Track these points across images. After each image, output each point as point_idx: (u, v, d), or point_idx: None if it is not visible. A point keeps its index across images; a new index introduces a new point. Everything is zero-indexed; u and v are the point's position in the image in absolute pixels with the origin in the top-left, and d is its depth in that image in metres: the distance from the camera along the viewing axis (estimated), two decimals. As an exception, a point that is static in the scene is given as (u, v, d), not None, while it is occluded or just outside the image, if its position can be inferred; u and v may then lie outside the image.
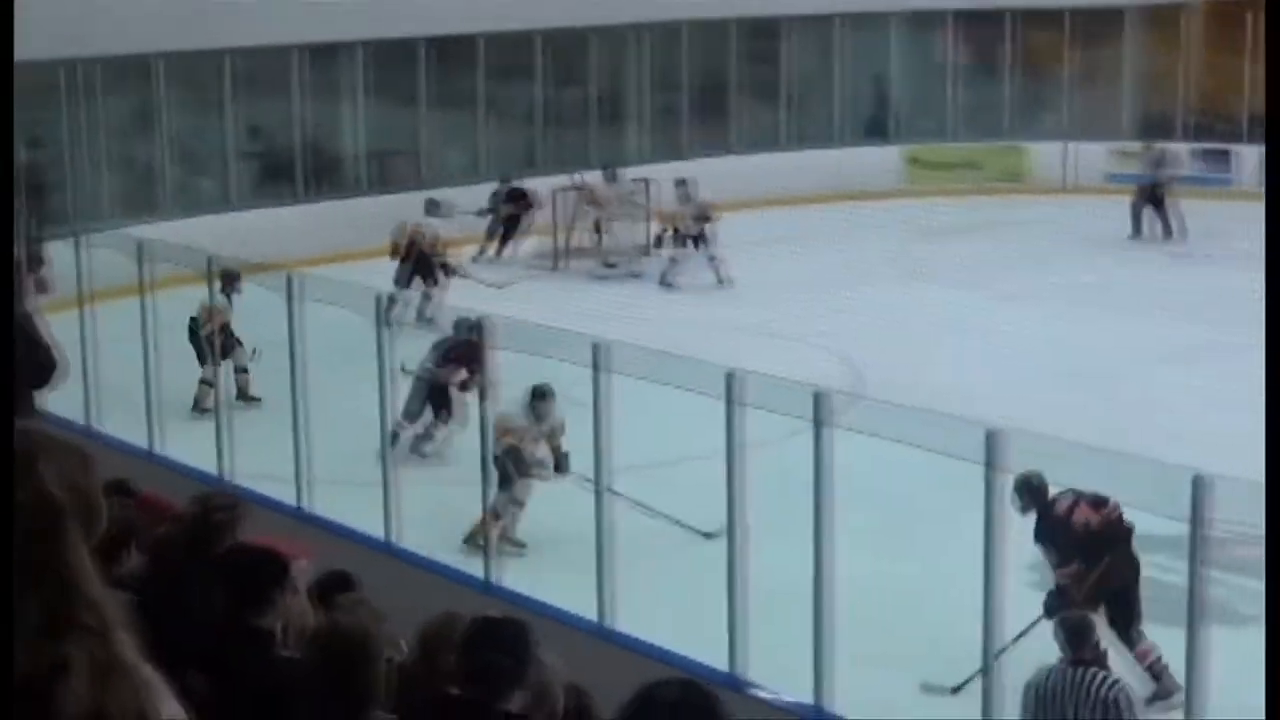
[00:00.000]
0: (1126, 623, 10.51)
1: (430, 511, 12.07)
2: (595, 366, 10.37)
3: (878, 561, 11.84)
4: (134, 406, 13.78)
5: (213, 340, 16.00)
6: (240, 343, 16.36)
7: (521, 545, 12.23)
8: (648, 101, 30.16)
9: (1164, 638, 9.13)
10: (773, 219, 24.51)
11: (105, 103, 24.32)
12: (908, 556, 12.19)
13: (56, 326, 14.14)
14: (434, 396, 14.82)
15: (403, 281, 20.78)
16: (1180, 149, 29.73)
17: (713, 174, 25.29)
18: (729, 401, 9.59)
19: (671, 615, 10.20)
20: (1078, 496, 10.91)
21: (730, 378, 9.66)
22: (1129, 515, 10.50)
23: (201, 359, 16.41)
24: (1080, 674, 8.51)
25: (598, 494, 10.40)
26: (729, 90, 30.52)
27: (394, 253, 21.26)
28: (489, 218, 24.55)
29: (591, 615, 10.19)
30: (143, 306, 13.84)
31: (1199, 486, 7.90)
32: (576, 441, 10.94)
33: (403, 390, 13.73)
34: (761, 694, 9.46)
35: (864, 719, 8.97)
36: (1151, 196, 26.64)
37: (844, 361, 18.67)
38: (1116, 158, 30.70)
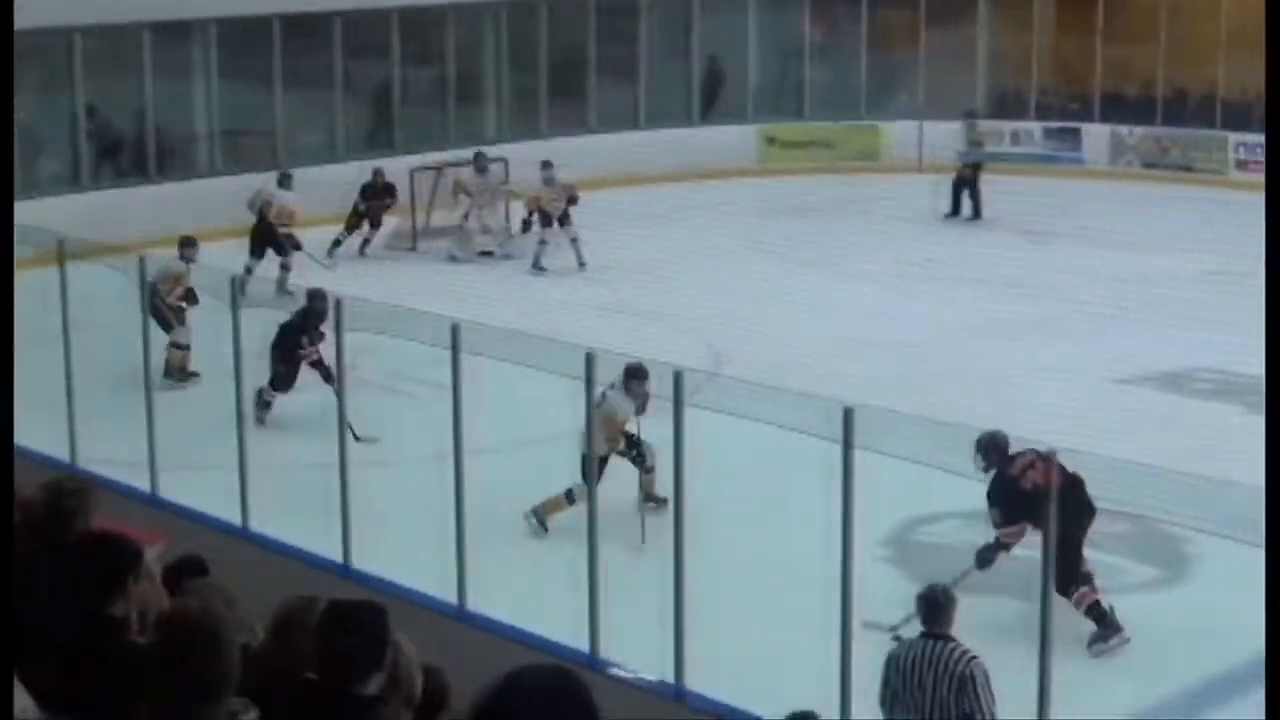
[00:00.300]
0: (1066, 578, 10.74)
1: (288, 495, 11.98)
2: (454, 347, 10.35)
3: (735, 532, 11.94)
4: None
5: (179, 306, 16.53)
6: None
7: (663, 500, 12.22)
8: (506, 80, 30.10)
9: (1013, 612, 9.26)
10: (631, 198, 24.56)
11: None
12: (760, 534, 12.28)
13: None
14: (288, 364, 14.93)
15: (255, 252, 21.18)
16: (1007, 127, 30.37)
17: (571, 153, 25.32)
18: (588, 382, 9.62)
19: (531, 597, 10.19)
20: (1036, 456, 10.94)
21: (589, 358, 9.68)
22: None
23: (167, 326, 16.41)
24: (935, 647, 8.62)
25: (458, 477, 10.39)
26: (587, 69, 30.49)
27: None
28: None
29: (451, 598, 10.20)
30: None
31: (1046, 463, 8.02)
32: (435, 423, 10.89)
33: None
34: (621, 673, 9.51)
35: (723, 698, 9.01)
36: (965, 176, 27.09)
37: (701, 340, 18.78)
38: (970, 137, 31.11)
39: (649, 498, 12.73)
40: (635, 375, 12.74)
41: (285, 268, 21.46)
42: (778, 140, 30.87)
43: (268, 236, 21.65)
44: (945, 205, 26.52)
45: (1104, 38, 30.42)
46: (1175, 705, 10.64)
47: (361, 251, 23.87)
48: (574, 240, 23.01)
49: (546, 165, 23.54)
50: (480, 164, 23.89)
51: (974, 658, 8.55)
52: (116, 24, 24.96)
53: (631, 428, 12.82)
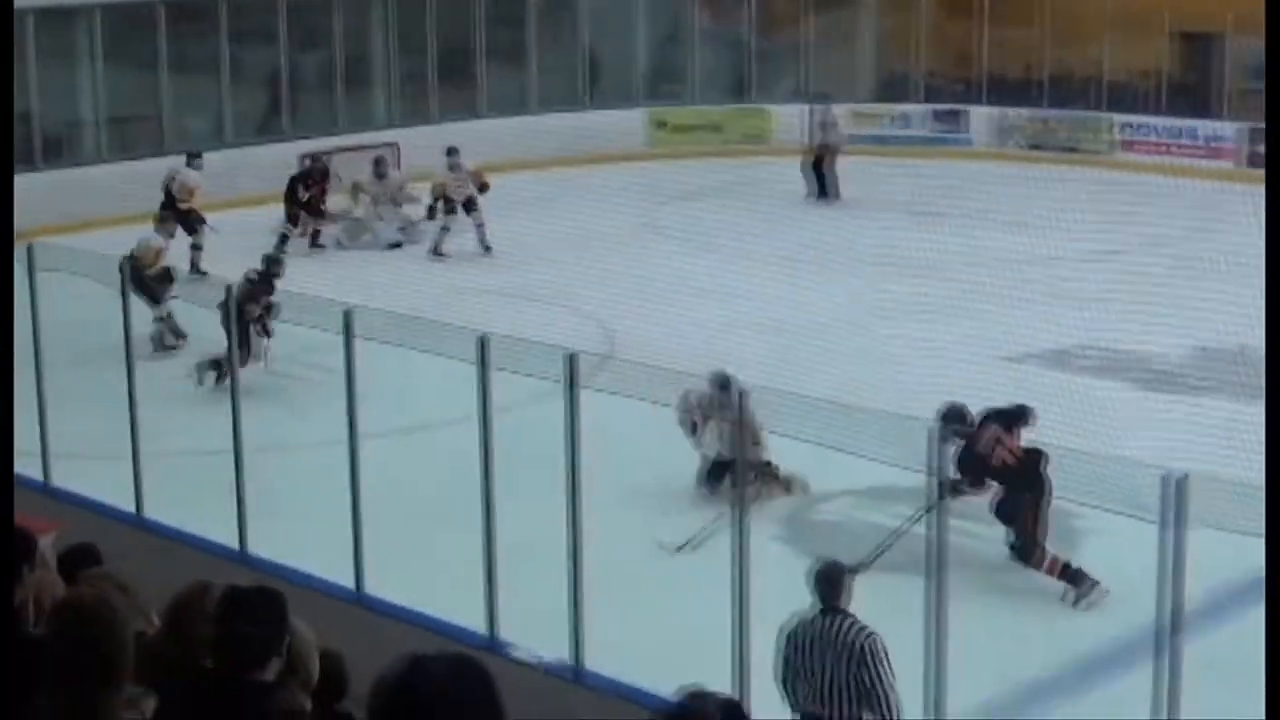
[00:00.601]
0: (1028, 548, 11.48)
1: (180, 482, 11.88)
2: (347, 332, 10.32)
3: (628, 512, 11.97)
4: None
5: (161, 278, 17.43)
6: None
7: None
8: (395, 65, 29.97)
9: (906, 588, 9.34)
10: (521, 182, 24.50)
11: None
12: (656, 515, 12.32)
13: None
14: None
15: (163, 231, 20.57)
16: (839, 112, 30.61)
17: (461, 138, 25.25)
18: (482, 365, 9.61)
19: (428, 580, 10.17)
20: (997, 431, 11.94)
21: (482, 342, 9.67)
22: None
23: (156, 298, 16.91)
24: (830, 621, 8.68)
25: (353, 463, 10.35)
26: (476, 54, 30.43)
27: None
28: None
29: (349, 582, 10.17)
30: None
31: (936, 441, 8.09)
32: (331, 408, 10.83)
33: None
34: (519, 654, 9.52)
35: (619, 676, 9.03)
36: (816, 159, 27.41)
37: (595, 323, 18.79)
38: (856, 119, 31.31)
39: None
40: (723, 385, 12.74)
41: (196, 247, 21.42)
42: (667, 124, 30.94)
43: (178, 216, 21.50)
44: (859, 186, 26.77)
45: (989, 20, 30.69)
46: (1064, 679, 10.79)
47: (314, 244, 23.67)
48: (479, 226, 23.02)
49: (452, 152, 23.55)
50: (455, 161, 23.56)
51: (871, 632, 8.61)
52: (-5, 8, 24.67)
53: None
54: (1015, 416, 12.20)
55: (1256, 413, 15.35)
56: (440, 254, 22.78)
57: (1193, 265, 21.28)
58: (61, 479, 12.03)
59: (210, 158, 24.31)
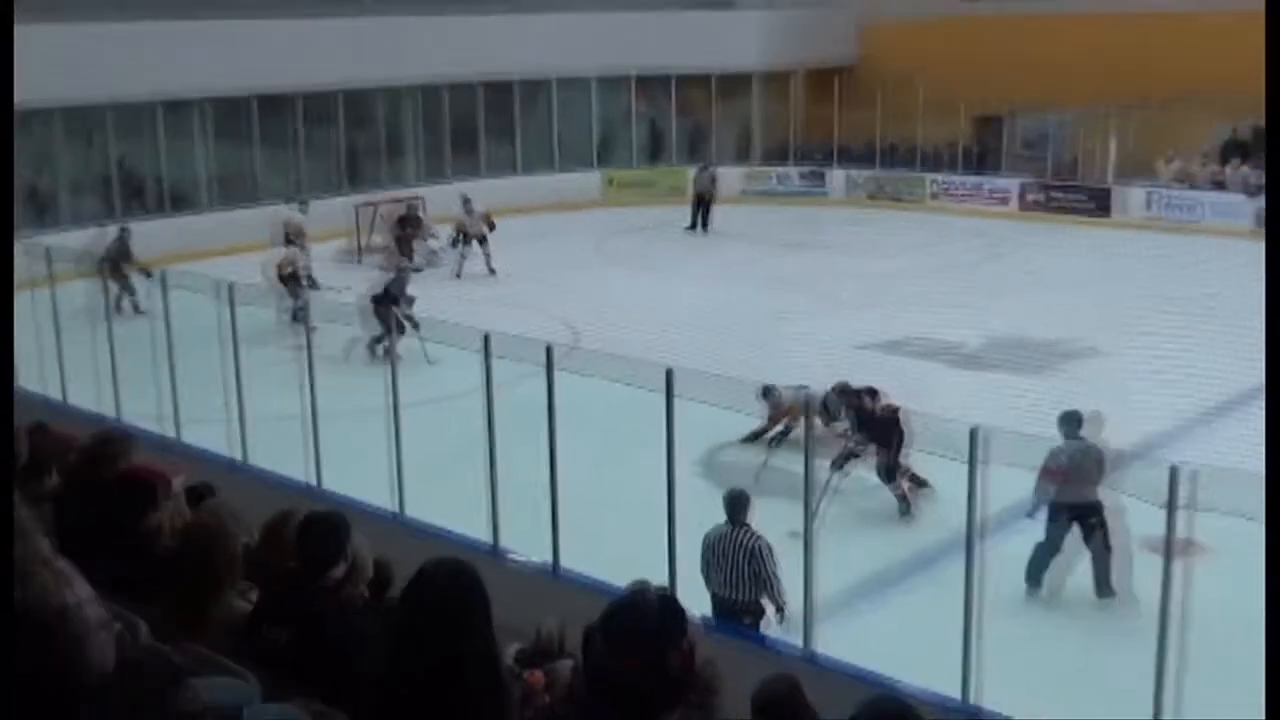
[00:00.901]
0: (890, 474, 12.05)
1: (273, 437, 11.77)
2: (391, 332, 10.24)
3: (593, 459, 11.94)
4: (49, 367, 13.27)
5: (292, 279, 18.58)
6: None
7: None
8: (421, 140, 29.88)
9: (787, 509, 9.33)
10: (511, 223, 24.36)
11: (16, 143, 23.24)
12: (613, 461, 12.29)
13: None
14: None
15: (293, 251, 20.51)
16: (785, 170, 30.53)
17: (469, 191, 25.11)
18: (486, 354, 9.57)
19: (450, 506, 10.10)
20: (872, 392, 12.45)
21: (486, 338, 9.64)
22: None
23: (293, 295, 17.37)
24: (736, 532, 8.76)
25: (396, 421, 10.29)
26: (478, 132, 30.32)
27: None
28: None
29: (393, 508, 10.11)
30: (53, 296, 13.41)
31: (809, 404, 8.08)
32: (377, 385, 10.73)
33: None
34: (516, 558, 9.48)
35: (587, 573, 8.98)
36: (703, 201, 27.49)
37: (565, 324, 18.71)
38: (748, 178, 31.39)
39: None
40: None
41: (305, 266, 20.08)
42: (614, 181, 30.87)
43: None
44: (752, 226, 26.86)
45: (841, 107, 30.76)
46: (895, 571, 10.82)
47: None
48: (487, 255, 22.75)
49: (466, 200, 23.32)
50: (469, 207, 23.20)
51: (761, 538, 8.68)
52: (137, 101, 24.60)
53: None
54: (874, 391, 12.42)
55: (1032, 383, 15.52)
56: (459, 276, 22.64)
57: (986, 279, 21.42)
58: (189, 436, 11.93)
59: (287, 208, 24.12)
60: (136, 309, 18.33)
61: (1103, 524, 9.86)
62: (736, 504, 8.88)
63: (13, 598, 2.14)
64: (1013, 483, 9.34)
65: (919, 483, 12.06)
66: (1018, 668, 8.33)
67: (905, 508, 11.95)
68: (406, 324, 15.72)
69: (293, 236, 21.48)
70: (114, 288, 17.55)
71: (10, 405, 2.45)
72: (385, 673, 2.81)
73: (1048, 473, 9.72)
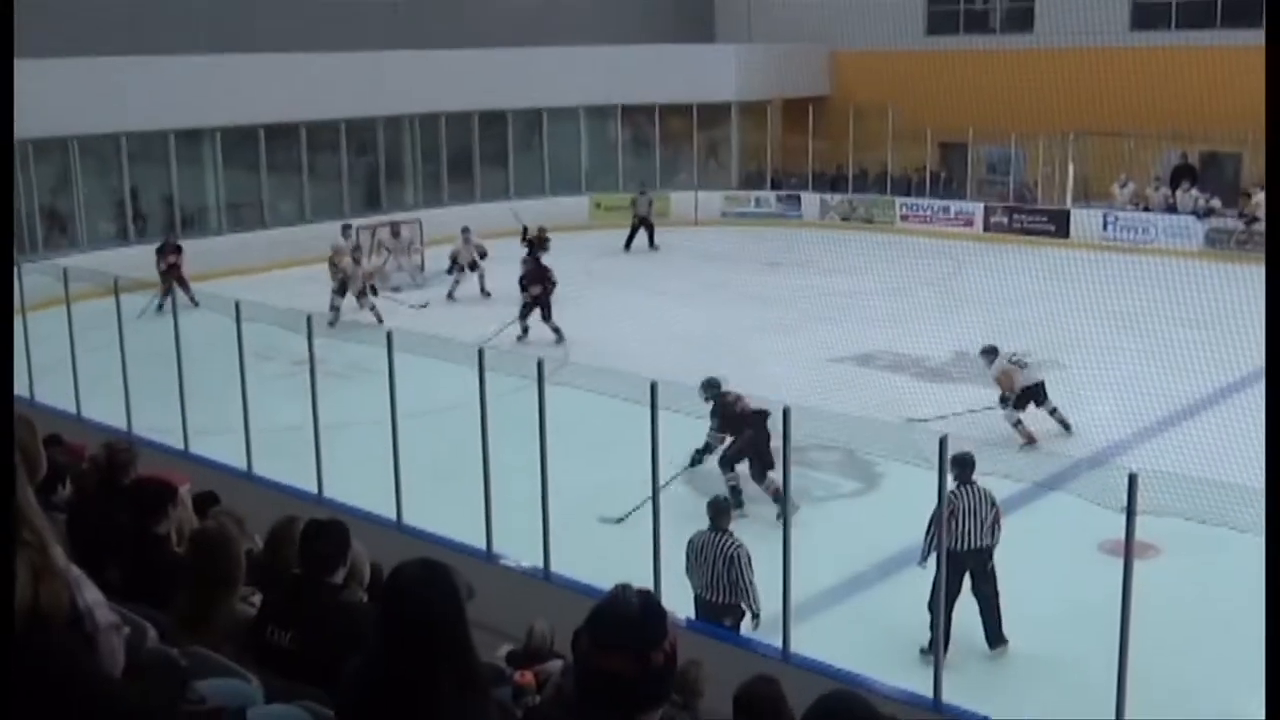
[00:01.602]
0: (760, 471, 12.05)
1: (276, 448, 11.71)
2: (389, 347, 10.23)
3: (582, 467, 11.90)
4: (63, 382, 13.20)
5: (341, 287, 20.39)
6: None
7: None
8: (419, 167, 29.86)
9: (766, 513, 9.33)
10: (504, 246, 24.31)
11: (36, 171, 23.30)
12: (601, 466, 12.26)
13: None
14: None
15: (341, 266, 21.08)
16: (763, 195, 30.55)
17: (464, 216, 25.15)
18: (480, 368, 9.53)
19: (446, 513, 10.06)
20: (738, 395, 12.53)
21: (480, 352, 9.61)
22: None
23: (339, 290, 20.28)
24: (716, 537, 8.79)
25: (394, 432, 10.24)
26: (473, 159, 30.32)
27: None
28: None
29: (391, 515, 10.06)
30: (68, 313, 13.34)
31: (787, 415, 8.08)
32: (377, 398, 10.70)
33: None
34: (508, 563, 9.44)
35: (577, 577, 8.94)
36: (644, 223, 27.73)
37: (554, 341, 18.71)
38: (727, 201, 31.44)
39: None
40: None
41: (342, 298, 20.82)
42: (602, 205, 30.86)
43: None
44: (735, 248, 26.86)
45: (814, 135, 30.86)
46: (868, 573, 10.80)
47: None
48: (480, 278, 22.80)
49: (465, 230, 23.35)
50: (467, 237, 23.20)
51: (740, 544, 8.68)
52: (151, 130, 24.55)
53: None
54: (738, 396, 12.61)
55: (994, 393, 15.51)
56: (453, 298, 22.64)
57: (951, 297, 21.45)
58: (197, 447, 11.87)
59: (294, 231, 24.14)
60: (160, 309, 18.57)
61: (993, 570, 9.33)
62: (719, 510, 8.90)
63: (13, 599, 2.11)
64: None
65: (779, 500, 11.88)
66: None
67: (735, 501, 11.74)
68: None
69: (338, 256, 21.54)
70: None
71: (10, 408, 2.41)
72: (363, 671, 2.79)
73: (940, 520, 9.20)
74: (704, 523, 9.00)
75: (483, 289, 22.79)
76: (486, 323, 18.90)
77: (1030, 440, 14.11)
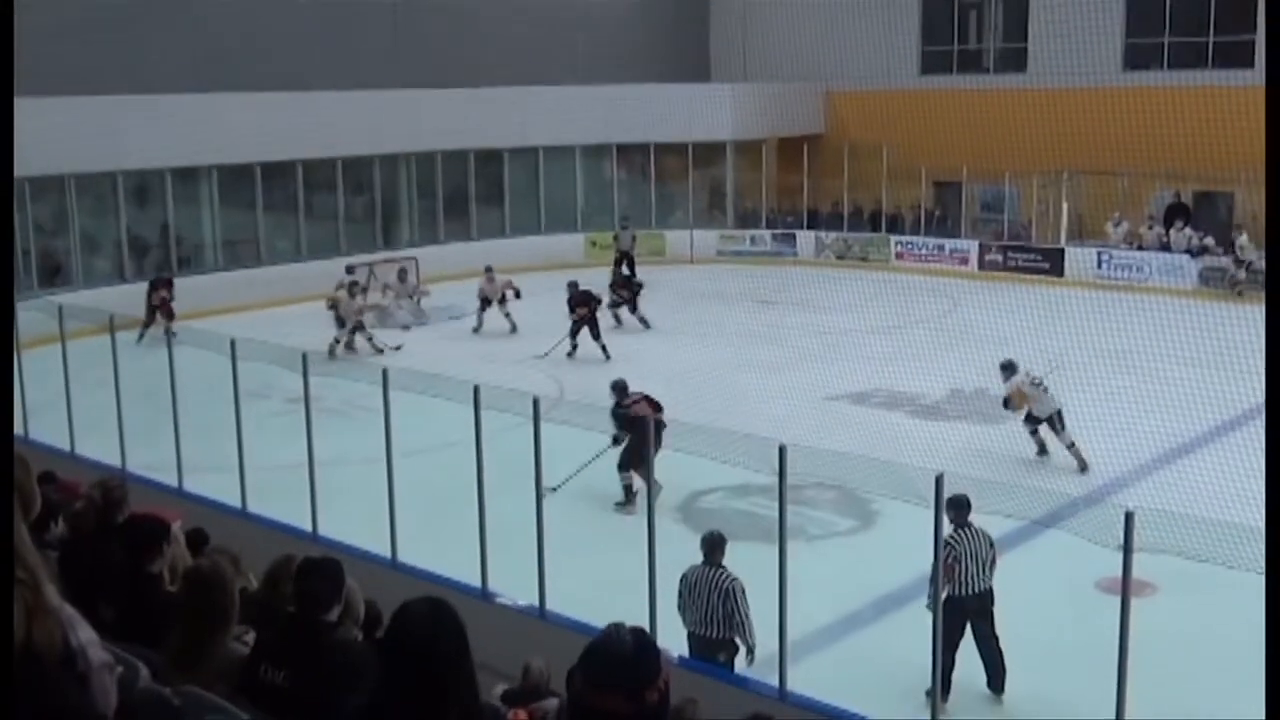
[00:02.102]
0: (624, 465, 12.99)
1: (271, 486, 11.68)
2: (385, 385, 10.22)
3: (577, 505, 11.89)
4: (58, 419, 13.18)
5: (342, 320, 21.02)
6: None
7: None
8: (415, 205, 29.93)
9: (762, 552, 9.29)
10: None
11: (33, 209, 23.35)
12: (596, 500, 12.25)
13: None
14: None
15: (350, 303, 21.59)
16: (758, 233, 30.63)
17: (460, 255, 25.28)
18: (476, 407, 9.54)
19: (441, 551, 10.03)
20: (641, 397, 13.59)
21: (476, 390, 9.62)
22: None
23: (338, 324, 21.11)
24: (711, 571, 8.80)
25: (389, 470, 10.22)
26: (469, 197, 30.42)
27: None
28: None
29: (386, 554, 10.03)
30: (63, 351, 13.34)
31: (782, 453, 8.08)
32: (372, 436, 10.68)
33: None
34: (503, 601, 9.41)
35: (573, 616, 8.91)
36: (627, 259, 27.77)
37: (551, 377, 18.72)
38: (722, 240, 31.53)
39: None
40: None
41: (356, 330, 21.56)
42: (597, 243, 30.90)
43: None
44: (727, 284, 26.82)
45: (809, 174, 30.99)
46: (865, 612, 10.76)
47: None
48: (507, 315, 22.94)
49: (488, 269, 23.57)
50: (490, 276, 23.41)
51: (735, 578, 8.68)
52: (148, 168, 24.63)
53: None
54: (641, 399, 13.68)
55: (992, 432, 15.54)
56: (477, 331, 22.89)
57: (946, 335, 21.50)
58: (191, 485, 11.85)
59: (290, 269, 24.18)
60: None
61: (992, 615, 9.24)
62: (712, 544, 8.87)
63: (12, 600, 2.11)
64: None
65: (629, 497, 13.05)
66: None
67: (626, 499, 12.99)
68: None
69: (338, 303, 21.85)
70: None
71: (10, 441, 2.41)
72: (369, 707, 2.78)
73: (944, 566, 8.58)
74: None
75: (511, 325, 22.88)
76: (485, 362, 18.89)
77: (1043, 449, 14.76)
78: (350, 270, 23.54)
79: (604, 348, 20.63)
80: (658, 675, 2.37)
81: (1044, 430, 14.80)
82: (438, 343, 22.23)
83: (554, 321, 21.66)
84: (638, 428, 12.21)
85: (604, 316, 21.67)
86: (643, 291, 23.33)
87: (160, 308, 21.77)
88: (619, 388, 13.80)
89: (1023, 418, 14.95)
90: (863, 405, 17.30)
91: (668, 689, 2.38)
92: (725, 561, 8.81)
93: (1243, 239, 24.93)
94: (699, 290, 26.82)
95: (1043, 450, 14.82)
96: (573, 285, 21.53)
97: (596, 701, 2.35)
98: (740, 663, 8.73)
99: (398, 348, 21.35)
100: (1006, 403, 15.04)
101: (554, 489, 11.26)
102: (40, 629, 2.18)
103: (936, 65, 31.86)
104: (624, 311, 23.19)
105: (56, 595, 2.33)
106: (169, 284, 22.56)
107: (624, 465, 13.10)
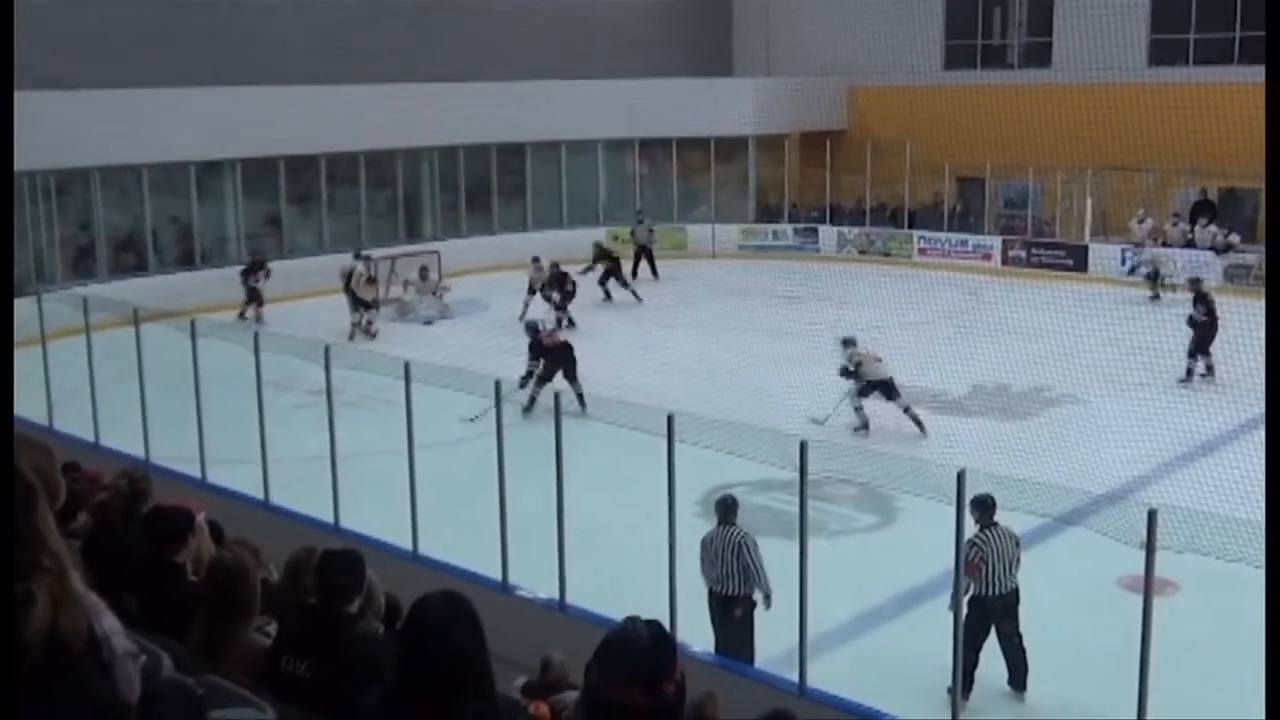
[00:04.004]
0: (524, 381, 15.63)
1: (295, 479, 11.72)
2: (406, 378, 10.25)
3: (597, 499, 11.89)
4: (82, 411, 13.27)
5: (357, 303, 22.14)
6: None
7: None
8: (437, 199, 30.00)
9: (783, 548, 9.29)
10: (519, 278, 24.42)
11: (58, 201, 23.50)
12: (616, 495, 12.26)
13: (25, 361, 13.62)
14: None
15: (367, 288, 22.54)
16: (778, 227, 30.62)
17: (481, 247, 25.29)
18: (498, 401, 9.56)
19: (462, 544, 10.05)
20: (551, 330, 17.17)
21: (497, 384, 9.63)
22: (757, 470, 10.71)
23: (353, 306, 22.05)
24: (725, 530, 9.36)
25: (410, 462, 10.25)
26: (491, 191, 30.48)
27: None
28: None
29: (407, 546, 10.06)
30: (88, 343, 13.41)
31: (804, 449, 8.07)
32: (394, 428, 10.71)
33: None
34: (523, 594, 9.43)
35: (592, 608, 8.92)
36: (646, 252, 27.86)
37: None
38: (744, 234, 31.48)
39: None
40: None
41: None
42: (619, 238, 30.88)
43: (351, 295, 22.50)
44: (751, 280, 26.82)
45: (832, 169, 30.92)
46: (885, 608, 10.75)
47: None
48: (555, 305, 22.89)
49: (535, 259, 23.69)
50: (538, 265, 23.55)
51: (747, 534, 9.32)
52: (172, 162, 24.73)
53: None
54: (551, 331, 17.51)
55: (1013, 428, 15.48)
56: (523, 319, 22.43)
57: (968, 331, 21.42)
58: (214, 476, 11.90)
59: (312, 262, 24.28)
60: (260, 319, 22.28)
61: (1017, 614, 9.23)
62: (726, 508, 9.45)
63: (12, 599, 2.12)
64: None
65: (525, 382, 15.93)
66: None
67: (528, 406, 15.11)
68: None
69: (352, 282, 22.35)
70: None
71: (10, 410, 2.43)
72: (387, 700, 2.79)
73: (968, 566, 8.78)
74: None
75: (569, 318, 22.71)
76: (508, 355, 18.92)
77: (865, 426, 15.74)
78: (358, 255, 23.54)
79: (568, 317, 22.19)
80: (674, 669, 2.38)
81: (869, 405, 15.86)
82: (459, 334, 22.26)
83: (576, 312, 21.69)
84: (553, 355, 16.86)
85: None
86: (574, 295, 22.97)
87: (255, 291, 22.95)
88: (532, 328, 17.34)
89: (858, 390, 15.96)
90: (884, 400, 17.23)
91: (684, 682, 2.39)
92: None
93: (1270, 236, 24.78)
94: (721, 285, 26.80)
95: (864, 426, 15.74)
96: (554, 267, 22.74)
97: (613, 695, 2.35)
98: (760, 610, 9.19)
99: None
100: (845, 372, 16.03)
101: (474, 419, 12.50)
102: (65, 617, 2.20)
103: (961, 60, 31.73)
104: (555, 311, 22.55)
105: (81, 584, 2.35)
106: (263, 266, 23.44)
107: (526, 381, 16.00)
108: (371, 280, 22.74)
